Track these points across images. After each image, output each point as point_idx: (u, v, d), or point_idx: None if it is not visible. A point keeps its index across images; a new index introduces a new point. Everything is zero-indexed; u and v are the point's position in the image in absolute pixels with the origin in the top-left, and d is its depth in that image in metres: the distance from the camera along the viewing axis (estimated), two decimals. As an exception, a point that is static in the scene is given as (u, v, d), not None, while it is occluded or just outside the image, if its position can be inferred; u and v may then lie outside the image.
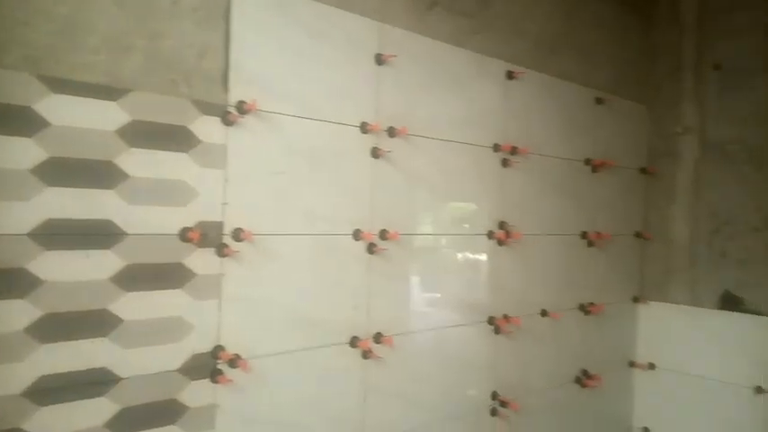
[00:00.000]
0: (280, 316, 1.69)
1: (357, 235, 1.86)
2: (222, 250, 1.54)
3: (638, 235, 3.02)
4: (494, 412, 2.32)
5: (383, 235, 1.92)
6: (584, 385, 2.71)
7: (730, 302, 2.77)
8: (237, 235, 1.56)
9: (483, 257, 2.30)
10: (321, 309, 1.79)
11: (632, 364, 3.03)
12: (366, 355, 1.88)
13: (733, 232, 2.78)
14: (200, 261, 1.51)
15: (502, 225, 2.33)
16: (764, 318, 2.64)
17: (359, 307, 1.88)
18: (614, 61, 2.87)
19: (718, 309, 2.80)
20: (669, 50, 3.01)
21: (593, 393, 2.76)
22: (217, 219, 1.54)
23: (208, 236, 1.52)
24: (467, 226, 2.25)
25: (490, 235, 2.30)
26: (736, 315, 2.74)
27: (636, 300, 3.03)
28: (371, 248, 1.89)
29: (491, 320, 2.31)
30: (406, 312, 2.05)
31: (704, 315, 2.84)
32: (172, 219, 1.46)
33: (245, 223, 1.58)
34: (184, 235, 1.47)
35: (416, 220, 2.07)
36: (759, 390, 2.63)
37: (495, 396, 2.33)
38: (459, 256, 2.24)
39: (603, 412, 2.88)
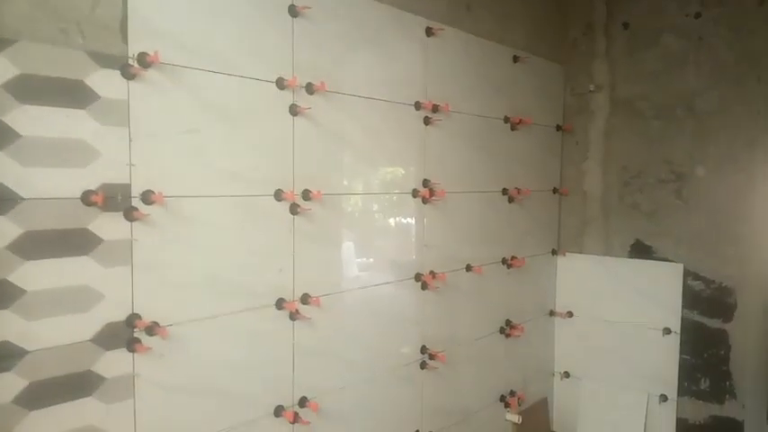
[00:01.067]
0: (199, 281, 1.64)
1: (279, 195, 1.81)
2: (131, 214, 1.46)
3: (555, 190, 3.14)
4: (423, 365, 2.38)
5: (306, 195, 1.88)
6: (507, 335, 2.83)
7: (641, 251, 2.94)
8: (147, 197, 1.48)
9: (408, 216, 2.32)
10: (244, 272, 1.74)
11: (552, 313, 3.19)
12: (294, 316, 1.86)
13: (642, 185, 2.93)
14: (108, 226, 1.43)
15: (426, 183, 2.35)
16: (671, 264, 2.83)
17: (284, 269, 1.85)
18: (530, 20, 2.92)
19: (630, 257, 2.97)
20: (582, 9, 3.09)
21: (516, 342, 2.88)
22: (123, 180, 1.45)
23: (114, 199, 1.43)
24: (391, 185, 2.25)
25: (414, 193, 2.31)
26: (646, 262, 2.92)
27: (554, 252, 3.17)
28: (294, 209, 1.85)
29: (418, 277, 2.34)
30: (334, 272, 2.03)
31: (617, 264, 3.00)
32: (72, 181, 1.37)
33: (156, 185, 1.50)
34: (87, 198, 1.38)
35: (340, 180, 2.04)
36: (667, 330, 2.83)
37: (424, 350, 2.38)
38: (385, 214, 2.25)
39: (527, 359, 3.02)
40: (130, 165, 1.46)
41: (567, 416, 3.17)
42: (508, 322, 2.84)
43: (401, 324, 2.30)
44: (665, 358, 2.85)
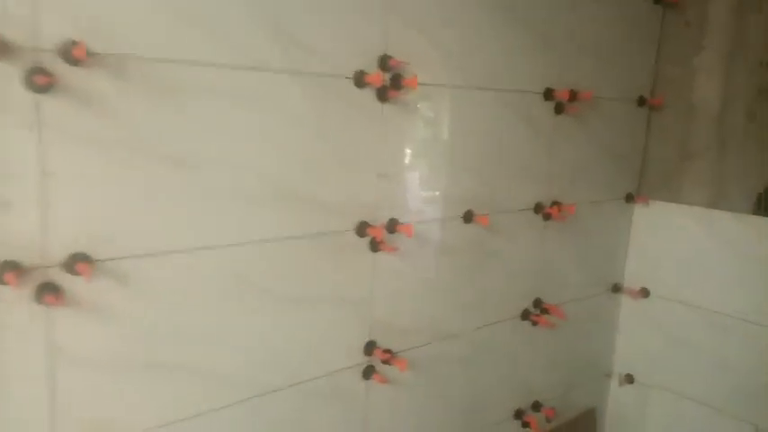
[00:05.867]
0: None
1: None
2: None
3: (642, 100, 1.99)
4: (368, 374, 1.46)
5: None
6: (534, 322, 1.82)
7: (775, 204, 1.81)
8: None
9: (356, 119, 1.33)
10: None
11: (617, 289, 2.14)
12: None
13: (792, 93, 1.75)
14: None
15: (384, 62, 1.33)
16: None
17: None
18: None
19: (754, 213, 1.86)
20: None
21: (551, 331, 1.88)
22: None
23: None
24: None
25: (358, 81, 1.31)
26: (780, 223, 1.79)
27: (630, 198, 2.06)
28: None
29: (361, 230, 1.37)
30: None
31: (732, 222, 1.91)
32: None
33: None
34: None
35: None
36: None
37: (369, 349, 1.45)
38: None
39: (568, 354, 2.03)
40: None
41: (625, 437, 2.18)
42: (537, 303, 1.84)
43: (320, 310, 1.36)
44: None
